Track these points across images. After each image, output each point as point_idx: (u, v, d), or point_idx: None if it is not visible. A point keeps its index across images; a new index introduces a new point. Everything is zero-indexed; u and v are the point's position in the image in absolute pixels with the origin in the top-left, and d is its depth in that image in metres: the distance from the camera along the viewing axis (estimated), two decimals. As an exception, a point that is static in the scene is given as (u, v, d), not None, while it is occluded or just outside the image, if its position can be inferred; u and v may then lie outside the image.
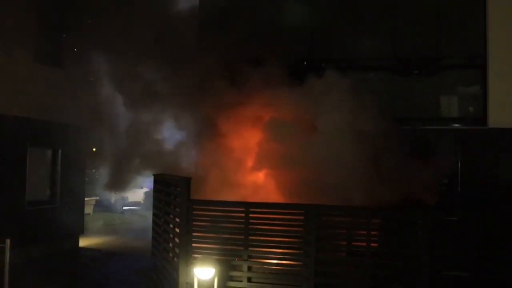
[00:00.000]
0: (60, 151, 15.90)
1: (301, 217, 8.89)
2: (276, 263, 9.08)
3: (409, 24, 13.06)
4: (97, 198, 26.28)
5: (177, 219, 9.85)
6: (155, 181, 12.57)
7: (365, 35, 13.52)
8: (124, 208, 29.02)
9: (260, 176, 11.64)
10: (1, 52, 13.21)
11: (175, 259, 9.81)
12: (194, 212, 9.53)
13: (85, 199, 18.31)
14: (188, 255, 9.34)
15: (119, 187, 14.18)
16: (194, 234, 9.46)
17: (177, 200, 9.89)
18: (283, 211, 9.20)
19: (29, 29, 14.43)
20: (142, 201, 30.46)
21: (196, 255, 9.21)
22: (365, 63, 13.59)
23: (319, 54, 13.54)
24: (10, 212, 13.54)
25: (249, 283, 9.00)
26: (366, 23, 13.43)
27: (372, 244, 8.58)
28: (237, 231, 9.22)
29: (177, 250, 9.75)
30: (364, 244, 8.57)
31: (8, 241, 8.88)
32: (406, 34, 13.09)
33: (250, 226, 9.10)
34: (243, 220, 9.14)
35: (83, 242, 16.97)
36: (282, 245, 9.02)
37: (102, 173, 19.39)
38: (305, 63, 13.38)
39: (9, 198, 13.69)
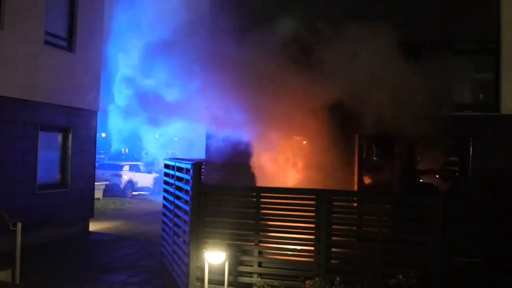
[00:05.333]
0: (70, 135, 15.91)
1: (313, 202, 8.88)
2: (287, 248, 9.08)
3: (422, 8, 12.84)
4: (107, 182, 26.34)
5: (188, 204, 9.85)
6: (165, 166, 12.56)
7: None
8: (134, 193, 29.11)
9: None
10: (12, 36, 13.20)
11: (186, 243, 9.83)
12: (205, 197, 9.54)
13: (95, 183, 18.37)
14: (199, 239, 9.35)
15: None
16: (205, 218, 9.47)
17: (188, 185, 9.88)
18: (295, 196, 9.19)
19: (38, 10, 14.37)
20: (151, 186, 30.57)
21: (207, 240, 9.22)
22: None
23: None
24: (22, 195, 13.60)
25: (260, 268, 9.00)
26: (377, 6, 13.16)
27: (384, 230, 8.58)
28: (248, 215, 9.23)
29: (188, 235, 9.76)
30: (376, 229, 8.56)
31: (19, 224, 8.90)
32: (418, 18, 12.86)
33: (261, 211, 9.10)
34: (254, 205, 9.15)
35: (93, 226, 17.04)
36: (293, 230, 9.00)
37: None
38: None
39: (21, 181, 13.75)
